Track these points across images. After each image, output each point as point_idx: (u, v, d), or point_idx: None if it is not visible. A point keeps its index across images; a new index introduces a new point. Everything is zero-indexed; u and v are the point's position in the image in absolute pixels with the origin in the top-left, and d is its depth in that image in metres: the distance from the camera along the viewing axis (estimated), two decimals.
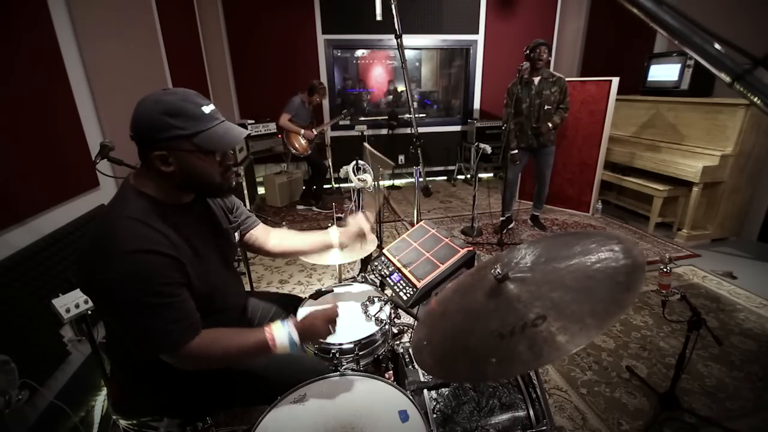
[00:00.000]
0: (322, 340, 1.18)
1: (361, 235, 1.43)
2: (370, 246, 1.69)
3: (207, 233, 1.09)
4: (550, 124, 3.37)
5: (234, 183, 1.05)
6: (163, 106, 0.89)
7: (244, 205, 3.72)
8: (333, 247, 1.44)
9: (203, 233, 1.07)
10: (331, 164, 5.15)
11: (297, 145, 4.36)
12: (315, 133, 4.41)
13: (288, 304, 1.49)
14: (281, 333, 1.03)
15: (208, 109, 0.94)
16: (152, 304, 0.88)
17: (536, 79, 3.39)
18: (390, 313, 1.35)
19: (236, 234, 1.25)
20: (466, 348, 0.82)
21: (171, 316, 0.91)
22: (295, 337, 1.03)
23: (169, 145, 0.91)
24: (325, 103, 5.22)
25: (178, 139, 0.90)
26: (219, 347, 0.99)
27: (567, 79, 3.44)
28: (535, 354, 0.70)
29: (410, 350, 1.32)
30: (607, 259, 0.82)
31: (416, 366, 1.24)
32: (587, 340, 0.68)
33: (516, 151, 3.44)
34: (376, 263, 1.71)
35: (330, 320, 1.11)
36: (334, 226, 1.47)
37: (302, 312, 1.38)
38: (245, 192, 3.82)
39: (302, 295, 1.56)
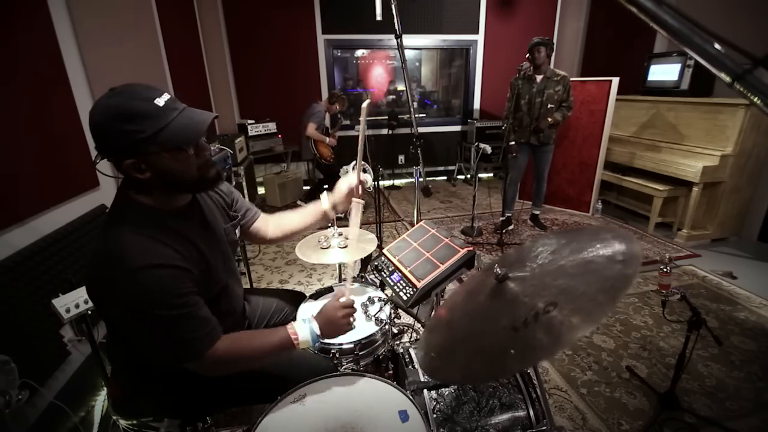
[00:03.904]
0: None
1: (351, 194, 1.31)
2: (370, 246, 1.69)
3: (210, 236, 1.07)
4: (550, 119, 3.36)
5: (215, 173, 0.99)
6: (113, 112, 0.81)
7: None
8: (329, 215, 1.36)
9: (206, 236, 1.05)
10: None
11: (325, 153, 4.40)
12: (335, 139, 4.47)
13: (288, 299, 1.49)
14: (303, 329, 1.03)
15: (162, 100, 0.85)
16: (170, 316, 0.86)
17: (539, 77, 3.40)
18: (390, 313, 1.35)
19: (237, 231, 1.23)
20: (480, 348, 0.82)
21: (190, 326, 0.89)
22: (317, 330, 1.03)
23: (133, 152, 0.84)
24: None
25: (141, 143, 0.83)
26: (242, 350, 0.99)
27: None
28: (554, 338, 0.70)
29: (410, 351, 1.32)
30: (601, 247, 0.86)
31: (416, 366, 1.24)
32: (602, 316, 0.70)
33: (513, 143, 3.44)
34: (376, 263, 1.71)
35: (347, 311, 1.09)
36: (324, 193, 1.38)
37: (302, 310, 1.38)
38: (245, 192, 3.82)
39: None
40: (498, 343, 0.79)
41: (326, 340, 1.16)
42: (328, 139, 4.36)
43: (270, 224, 1.38)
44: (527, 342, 0.73)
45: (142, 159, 0.85)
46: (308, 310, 1.40)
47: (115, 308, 0.88)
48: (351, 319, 1.11)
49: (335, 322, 1.07)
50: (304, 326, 1.04)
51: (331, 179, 4.54)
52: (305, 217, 1.38)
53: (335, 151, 4.58)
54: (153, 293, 0.84)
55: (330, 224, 1.53)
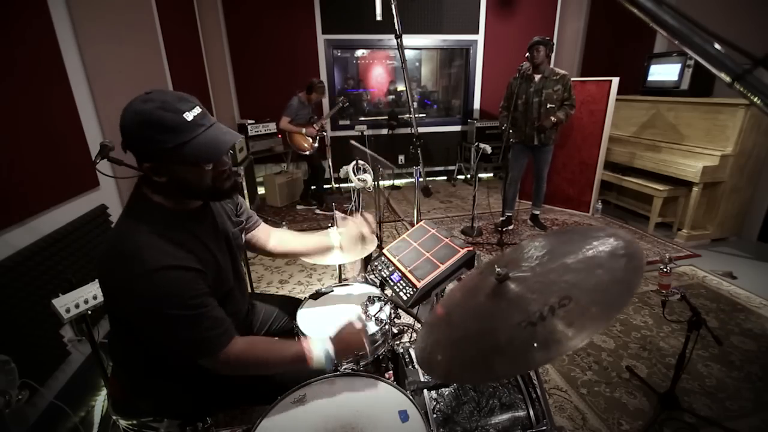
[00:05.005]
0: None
1: (360, 238, 1.43)
2: (370, 246, 1.69)
3: (220, 239, 1.08)
4: (553, 118, 3.30)
5: (231, 184, 1.01)
6: (142, 118, 0.84)
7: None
8: (333, 249, 1.45)
9: (217, 239, 1.07)
10: (330, 164, 5.15)
11: (301, 144, 4.36)
12: (317, 128, 4.41)
13: (288, 307, 1.49)
14: (318, 348, 1.03)
15: (191, 114, 0.86)
16: (185, 316, 0.89)
17: (537, 77, 3.37)
18: (390, 313, 1.35)
19: (243, 235, 1.25)
20: (496, 346, 0.82)
21: (204, 325, 0.91)
22: (332, 353, 1.03)
23: (153, 158, 0.87)
24: (325, 103, 5.22)
25: (161, 152, 0.86)
26: (256, 357, 1.00)
27: None
28: (578, 328, 0.71)
29: (410, 351, 1.32)
30: (598, 244, 0.88)
31: (416, 366, 1.24)
32: (623, 305, 0.73)
33: (505, 126, 3.40)
34: (376, 263, 1.71)
35: (362, 335, 1.08)
36: (334, 228, 1.47)
37: (302, 314, 1.38)
38: (245, 192, 3.83)
39: (302, 296, 1.56)
40: (517, 339, 0.79)
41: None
42: (304, 130, 4.31)
43: (272, 237, 1.39)
44: (549, 335, 0.74)
45: (160, 165, 0.88)
46: (308, 310, 1.40)
47: (131, 307, 0.90)
48: (364, 343, 1.09)
49: (350, 346, 1.06)
50: (319, 346, 1.03)
51: (316, 172, 4.54)
52: (311, 247, 1.43)
53: (326, 145, 4.56)
54: (169, 294, 0.87)
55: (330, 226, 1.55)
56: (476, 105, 5.82)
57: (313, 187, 4.64)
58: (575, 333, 0.70)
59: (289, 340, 1.07)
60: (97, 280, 1.44)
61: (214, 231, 1.07)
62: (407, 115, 5.52)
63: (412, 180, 5.50)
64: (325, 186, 4.79)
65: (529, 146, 3.56)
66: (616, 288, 0.75)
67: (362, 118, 5.82)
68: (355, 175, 2.71)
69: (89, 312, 1.40)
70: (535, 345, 0.73)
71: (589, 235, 0.93)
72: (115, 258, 0.89)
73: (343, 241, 1.43)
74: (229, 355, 0.95)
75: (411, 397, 1.00)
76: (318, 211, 4.53)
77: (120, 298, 0.91)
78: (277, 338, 1.09)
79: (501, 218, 3.80)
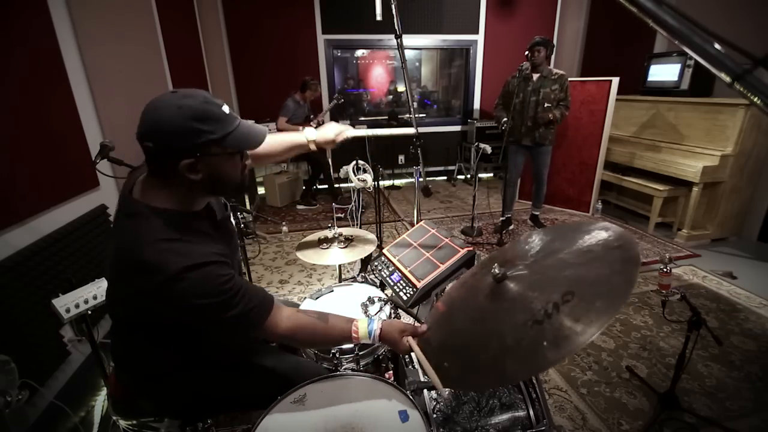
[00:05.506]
0: None
1: (334, 142, 1.45)
2: (370, 246, 1.69)
3: (223, 233, 1.09)
4: (550, 116, 3.28)
5: (246, 178, 1.05)
6: (190, 112, 0.85)
7: (245, 205, 3.70)
8: (306, 145, 1.43)
9: (222, 234, 1.07)
10: (330, 164, 5.14)
11: None
12: (314, 126, 4.40)
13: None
14: (364, 329, 1.05)
15: (227, 109, 0.92)
16: (220, 301, 0.90)
17: (535, 76, 3.36)
18: (390, 313, 1.35)
19: (232, 219, 1.26)
20: (505, 348, 0.81)
21: (244, 300, 0.94)
22: (376, 340, 1.05)
23: (199, 152, 0.88)
24: (325, 103, 5.22)
25: (209, 144, 0.88)
26: (305, 338, 1.05)
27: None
28: (587, 323, 0.70)
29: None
30: (591, 238, 0.88)
31: (416, 366, 1.24)
32: (626, 297, 0.73)
33: (504, 120, 3.38)
34: (376, 263, 1.71)
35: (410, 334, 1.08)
36: (309, 128, 1.45)
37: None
38: (246, 192, 3.83)
39: (302, 296, 1.56)
40: (525, 339, 0.78)
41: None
42: (301, 128, 4.32)
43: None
44: (559, 331, 0.73)
45: (201, 159, 0.89)
46: (308, 309, 1.40)
47: (164, 313, 0.91)
48: (407, 343, 1.07)
49: (394, 343, 1.06)
50: (367, 337, 1.05)
51: (320, 168, 4.52)
52: (284, 144, 1.43)
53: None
54: (200, 288, 0.88)
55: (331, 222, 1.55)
56: (476, 105, 5.82)
57: (322, 186, 4.64)
58: (584, 328, 0.70)
59: (337, 316, 1.09)
60: (97, 280, 1.45)
61: (218, 228, 1.08)
62: (407, 115, 5.53)
63: (412, 180, 5.50)
64: (331, 184, 4.76)
65: (524, 146, 3.55)
66: (616, 279, 0.75)
67: (362, 118, 5.82)
68: (355, 175, 2.71)
69: (89, 312, 1.40)
70: (545, 344, 0.73)
71: (580, 230, 0.94)
72: (135, 266, 0.88)
73: (318, 137, 1.42)
74: (275, 331, 0.99)
75: (411, 397, 1.00)
76: (335, 205, 4.46)
77: (147, 305, 0.91)
78: (324, 313, 1.10)
79: (501, 218, 3.80)
